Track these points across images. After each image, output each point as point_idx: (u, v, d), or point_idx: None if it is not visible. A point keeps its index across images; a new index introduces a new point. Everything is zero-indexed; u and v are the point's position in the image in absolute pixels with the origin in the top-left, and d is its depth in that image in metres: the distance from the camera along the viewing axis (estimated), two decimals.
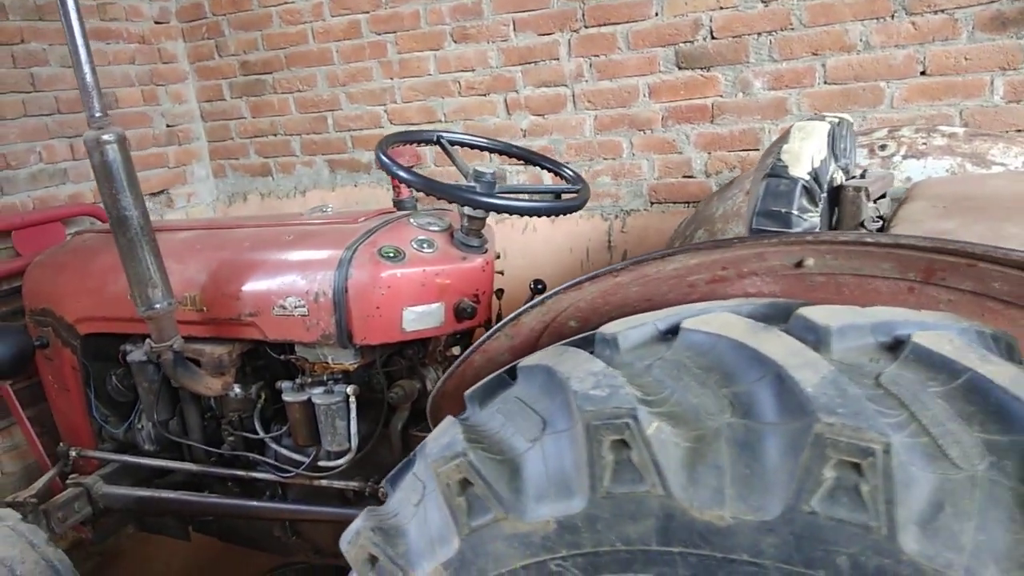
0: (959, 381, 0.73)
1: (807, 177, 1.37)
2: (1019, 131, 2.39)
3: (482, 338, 1.23)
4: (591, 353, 0.97)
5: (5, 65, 3.13)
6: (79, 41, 1.75)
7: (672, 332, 0.94)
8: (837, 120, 1.55)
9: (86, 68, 1.77)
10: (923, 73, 2.52)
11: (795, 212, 1.36)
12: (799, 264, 1.01)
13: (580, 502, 0.81)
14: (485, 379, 1.09)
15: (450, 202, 1.90)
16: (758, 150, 2.84)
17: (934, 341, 0.77)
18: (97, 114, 1.80)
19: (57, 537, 2.41)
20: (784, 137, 1.45)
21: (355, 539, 1.01)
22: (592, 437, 0.79)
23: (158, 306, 1.93)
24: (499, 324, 1.21)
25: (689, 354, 0.87)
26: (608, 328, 0.97)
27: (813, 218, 1.39)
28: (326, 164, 3.87)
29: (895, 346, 0.81)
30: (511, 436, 0.92)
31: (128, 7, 3.66)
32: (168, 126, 3.95)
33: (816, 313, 0.84)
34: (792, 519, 0.70)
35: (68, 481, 2.45)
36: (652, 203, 3.11)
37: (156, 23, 3.84)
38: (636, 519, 0.78)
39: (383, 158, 1.90)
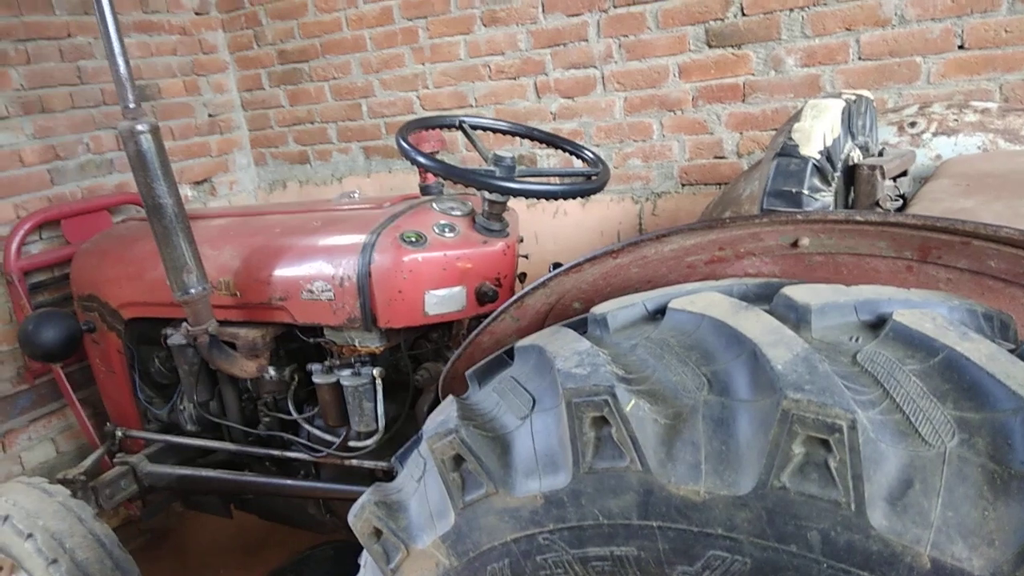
0: (936, 359, 0.73)
1: (818, 156, 1.35)
2: None
3: (487, 320, 1.26)
4: (584, 333, 0.98)
5: (53, 59, 3.25)
6: (112, 34, 1.82)
7: (660, 312, 0.95)
8: (854, 97, 1.52)
9: (119, 60, 1.84)
10: (961, 47, 2.43)
11: (806, 192, 1.34)
12: (795, 244, 1.01)
13: (565, 478, 0.84)
14: (485, 360, 1.11)
15: (466, 186, 1.92)
16: None
17: (915, 319, 0.77)
18: (131, 105, 1.87)
19: (107, 514, 2.54)
20: (796, 116, 1.43)
21: (360, 513, 1.05)
22: (574, 414, 0.81)
23: (193, 291, 2.01)
24: (503, 306, 1.23)
25: (673, 333, 0.88)
26: (599, 308, 0.99)
27: (826, 197, 1.37)
28: (361, 151, 3.93)
29: (878, 324, 0.81)
30: (503, 414, 0.94)
31: None
32: (210, 116, 4.06)
33: (798, 292, 0.84)
34: (764, 494, 0.71)
35: (115, 460, 2.56)
36: (683, 185, 3.08)
37: (196, 14, 3.94)
38: (617, 494, 0.80)
39: (402, 144, 1.93)
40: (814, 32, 2.66)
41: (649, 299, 0.97)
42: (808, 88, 2.73)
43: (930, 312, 0.79)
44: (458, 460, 0.93)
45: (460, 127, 2.19)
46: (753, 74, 2.82)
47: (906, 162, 1.56)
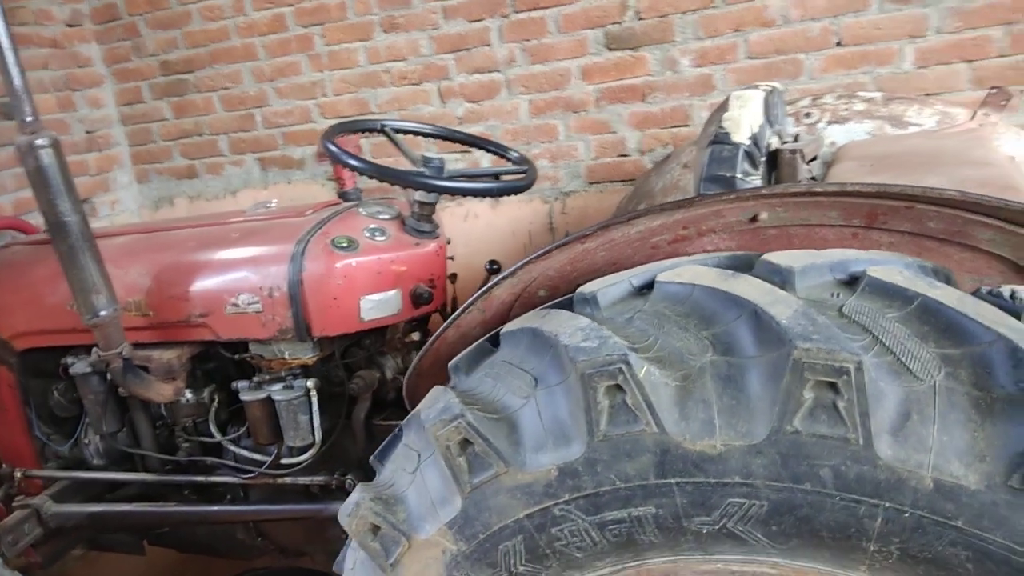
0: (912, 306, 0.82)
1: (748, 142, 1.45)
2: (928, 95, 2.56)
3: (456, 313, 1.27)
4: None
5: None
6: (5, 43, 1.70)
7: (646, 287, 1.00)
8: (770, 88, 1.64)
9: (14, 71, 1.72)
10: (838, 44, 2.67)
11: (739, 176, 1.44)
12: (754, 219, 1.09)
13: (579, 447, 0.86)
14: (467, 349, 1.12)
15: (404, 188, 1.92)
16: (688, 126, 2.95)
17: (887, 274, 0.85)
18: (28, 118, 1.74)
19: (9, 562, 2.32)
20: (724, 106, 1.53)
21: (355, 511, 1.03)
22: (587, 385, 0.84)
23: (103, 313, 1.88)
24: (472, 298, 1.24)
25: (666, 304, 0.94)
26: (586, 288, 1.03)
27: (755, 181, 1.47)
28: (257, 162, 3.81)
29: (851, 282, 0.89)
30: (504, 396, 0.96)
31: (38, 10, 3.51)
32: (87, 132, 3.81)
33: (779, 257, 0.91)
34: (777, 440, 0.77)
35: (15, 503, 2.35)
36: (590, 183, 3.18)
37: (68, 26, 3.68)
38: (633, 457, 0.84)
39: (332, 148, 1.90)
40: (706, 34, 2.83)
41: (634, 275, 1.02)
42: (702, 87, 2.91)
43: (896, 267, 0.88)
44: (463, 444, 0.94)
45: (382, 130, 2.17)
46: (651, 75, 2.96)
47: (816, 147, 1.71)
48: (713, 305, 0.88)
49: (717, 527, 0.82)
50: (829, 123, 2.11)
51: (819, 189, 0.98)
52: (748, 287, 0.86)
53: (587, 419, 0.85)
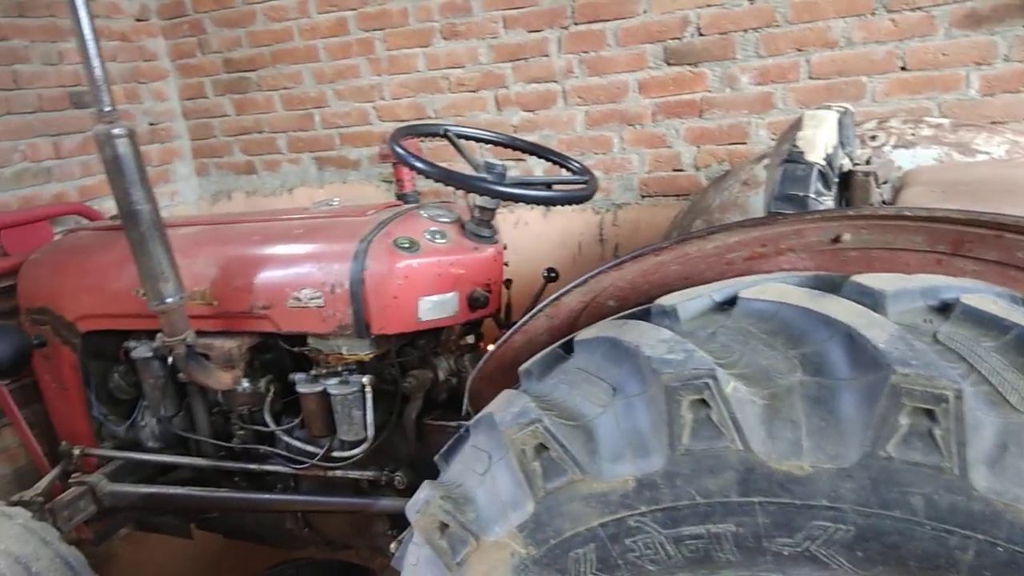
0: (1008, 336, 0.81)
1: (822, 163, 1.44)
2: (993, 123, 2.52)
3: (524, 318, 1.28)
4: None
5: None
6: (88, 36, 1.77)
7: (728, 303, 1.00)
8: (843, 109, 1.63)
9: (95, 62, 1.79)
10: (903, 68, 2.63)
11: (812, 196, 1.42)
12: (836, 240, 1.08)
13: (659, 460, 0.87)
14: (539, 354, 1.14)
15: (468, 192, 1.94)
16: (745, 144, 2.93)
17: (981, 302, 0.85)
18: (107, 108, 1.81)
19: (64, 536, 2.39)
20: (797, 125, 1.53)
21: (425, 508, 1.05)
22: (671, 398, 0.85)
23: (170, 300, 1.93)
24: (542, 304, 1.25)
25: (751, 321, 0.94)
26: (666, 300, 1.03)
27: (828, 202, 1.46)
28: (313, 161, 3.88)
29: (943, 308, 0.89)
30: (580, 403, 0.97)
31: (108, 4, 3.63)
32: (150, 124, 3.92)
33: (869, 280, 0.91)
34: (869, 465, 0.77)
35: (71, 480, 2.42)
36: (643, 196, 3.18)
37: (137, 20, 3.80)
38: (715, 473, 0.84)
39: (399, 150, 1.94)
40: (767, 52, 2.82)
41: (715, 290, 1.02)
42: (761, 105, 2.89)
43: (988, 296, 0.87)
44: (539, 449, 0.95)
45: (445, 135, 2.20)
46: (709, 91, 2.95)
47: (887, 171, 1.69)
48: (802, 324, 0.88)
49: (799, 549, 0.82)
50: (895, 147, 2.09)
51: (908, 213, 0.97)
52: (840, 308, 0.86)
53: (669, 432, 0.86)
